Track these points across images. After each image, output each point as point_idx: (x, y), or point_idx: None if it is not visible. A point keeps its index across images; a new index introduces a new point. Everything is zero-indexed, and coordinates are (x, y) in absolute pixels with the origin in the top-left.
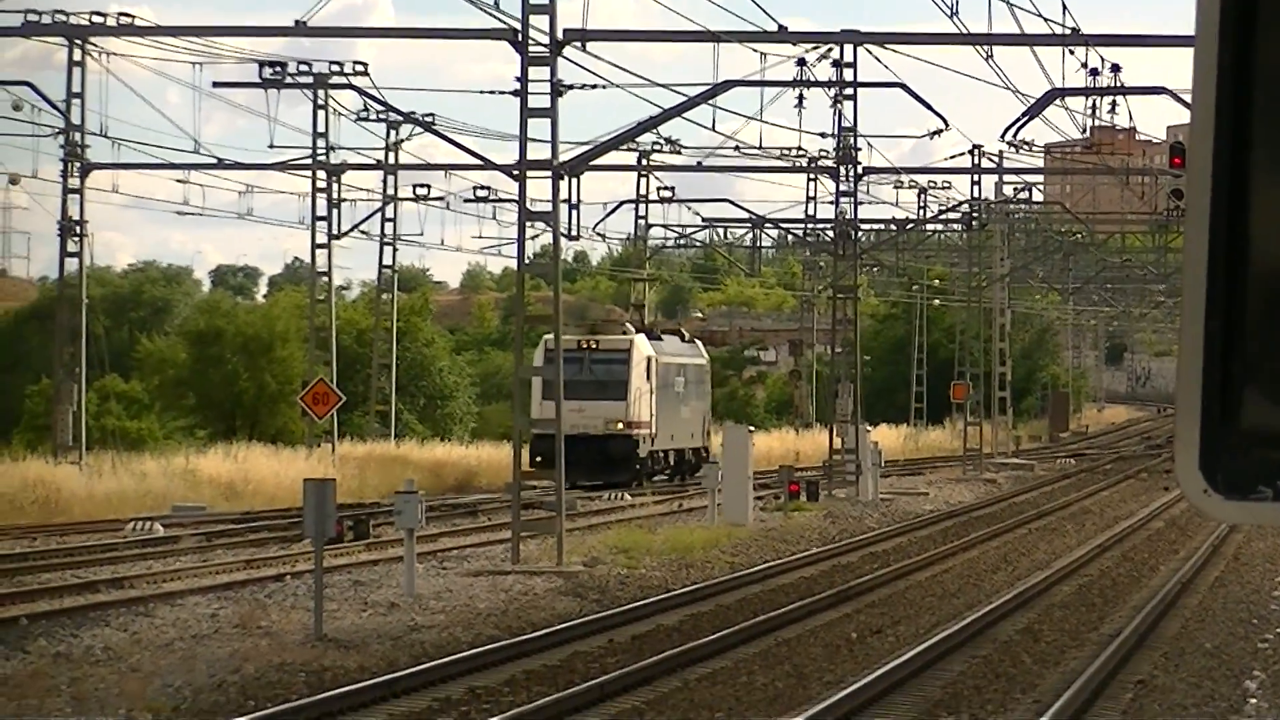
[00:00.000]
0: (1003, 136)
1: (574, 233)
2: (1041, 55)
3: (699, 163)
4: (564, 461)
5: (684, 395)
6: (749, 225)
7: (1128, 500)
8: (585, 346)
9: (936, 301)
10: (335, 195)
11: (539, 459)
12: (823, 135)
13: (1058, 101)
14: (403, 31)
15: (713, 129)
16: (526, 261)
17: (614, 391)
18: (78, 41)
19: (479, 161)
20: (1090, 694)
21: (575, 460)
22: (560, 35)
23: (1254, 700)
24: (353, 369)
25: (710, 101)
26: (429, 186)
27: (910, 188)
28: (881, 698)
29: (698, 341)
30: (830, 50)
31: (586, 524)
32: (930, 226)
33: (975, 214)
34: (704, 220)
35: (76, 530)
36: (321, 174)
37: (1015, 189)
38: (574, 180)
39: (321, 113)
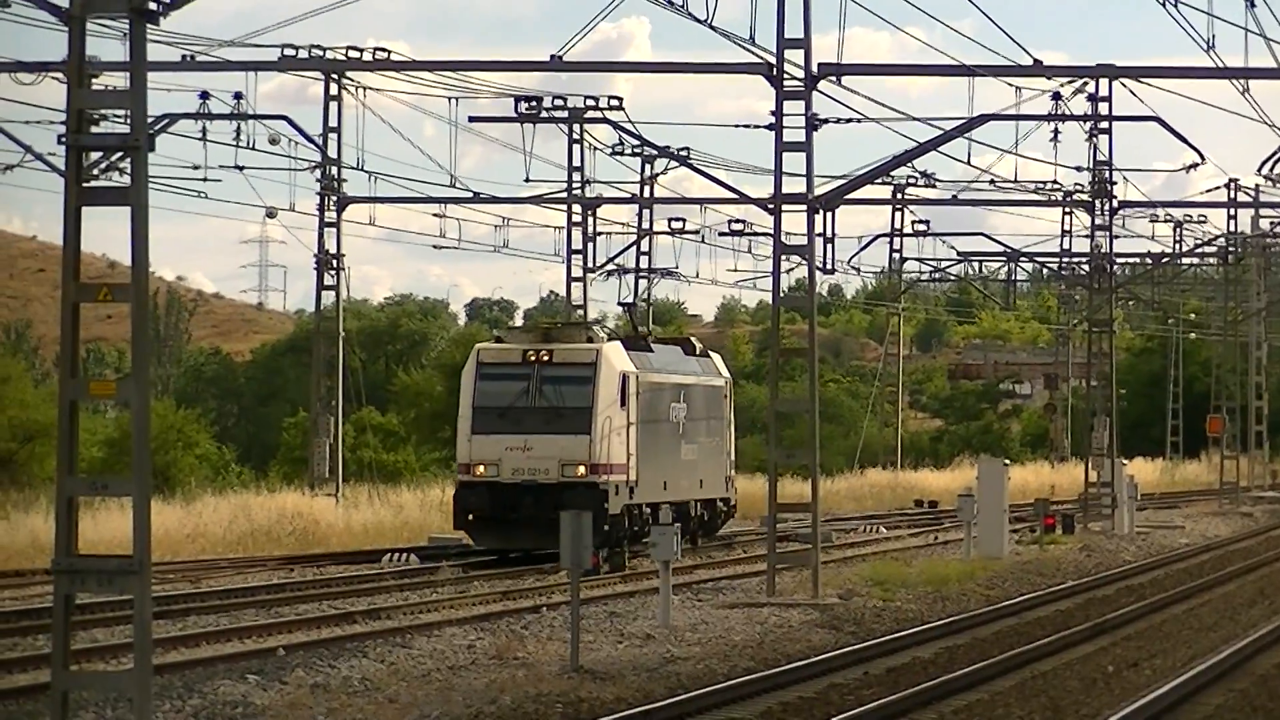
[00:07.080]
0: (1259, 170)
1: (829, 266)
2: None
3: (954, 196)
4: (504, 520)
5: (686, 429)
6: (1004, 259)
7: None
8: (533, 359)
9: (1192, 335)
10: (591, 229)
11: (470, 517)
12: (1078, 169)
13: None
14: (659, 66)
15: (968, 163)
16: (782, 295)
17: (572, 422)
18: (334, 76)
19: (734, 195)
20: None
21: (519, 519)
22: (815, 70)
23: None
24: None
25: (965, 135)
26: (684, 220)
27: (1166, 221)
28: None
29: (713, 355)
30: (1086, 84)
31: (842, 556)
32: (1186, 261)
33: (1231, 248)
34: (959, 254)
35: (333, 561)
36: (577, 208)
37: (1272, 223)
38: (829, 214)
39: (577, 147)
